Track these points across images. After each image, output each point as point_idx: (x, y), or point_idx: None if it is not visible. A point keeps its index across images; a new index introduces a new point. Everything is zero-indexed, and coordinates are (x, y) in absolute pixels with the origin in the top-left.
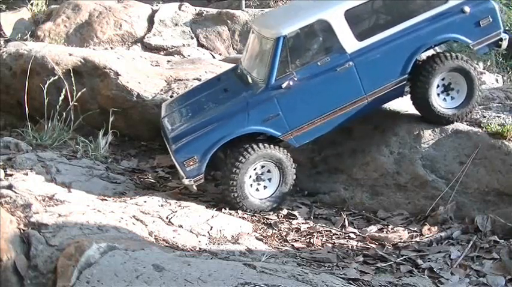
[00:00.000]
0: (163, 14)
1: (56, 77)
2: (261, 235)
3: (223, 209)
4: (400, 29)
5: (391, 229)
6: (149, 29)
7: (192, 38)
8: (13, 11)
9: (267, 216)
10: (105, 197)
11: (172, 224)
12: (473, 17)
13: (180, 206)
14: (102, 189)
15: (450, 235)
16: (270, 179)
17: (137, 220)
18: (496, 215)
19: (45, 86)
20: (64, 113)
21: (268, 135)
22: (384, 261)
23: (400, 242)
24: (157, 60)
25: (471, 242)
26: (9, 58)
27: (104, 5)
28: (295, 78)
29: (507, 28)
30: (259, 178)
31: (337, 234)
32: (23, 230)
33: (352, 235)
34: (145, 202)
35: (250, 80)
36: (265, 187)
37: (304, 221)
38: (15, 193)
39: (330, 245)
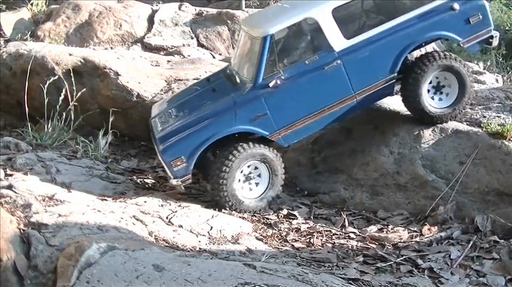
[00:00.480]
0: (163, 14)
1: (56, 77)
2: (261, 235)
3: (223, 209)
4: (389, 27)
5: (391, 229)
6: (149, 29)
7: (192, 38)
8: (13, 11)
9: (267, 216)
10: (105, 197)
11: (172, 224)
12: (463, 14)
13: (180, 206)
14: (102, 189)
15: (450, 235)
16: (259, 180)
17: (137, 220)
18: (496, 215)
19: (45, 86)
20: (64, 113)
21: (259, 136)
22: (384, 261)
23: (400, 242)
24: (157, 60)
25: (471, 242)
26: (9, 58)
27: (104, 5)
28: (283, 77)
29: (507, 28)
30: (249, 178)
31: (337, 234)
32: (23, 230)
33: (352, 235)
34: (145, 202)
35: (238, 80)
36: (256, 184)
37: (304, 221)
38: (15, 193)
39: (330, 245)
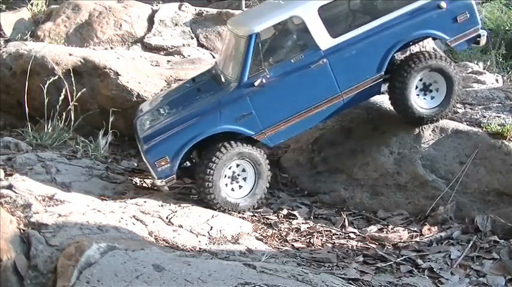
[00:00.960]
0: (163, 14)
1: (56, 77)
2: (261, 235)
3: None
4: (375, 25)
5: (391, 229)
6: (149, 29)
7: (192, 38)
8: (13, 11)
9: (267, 216)
10: (105, 197)
11: (172, 224)
12: (450, 12)
13: (180, 206)
14: (102, 189)
15: (450, 235)
16: (245, 179)
17: (137, 220)
18: (496, 215)
19: (45, 86)
20: (64, 113)
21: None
22: (384, 261)
23: (400, 242)
24: (157, 60)
25: (471, 242)
26: (9, 58)
27: (104, 5)
28: (268, 76)
29: (507, 28)
30: (235, 177)
31: (337, 234)
32: (23, 230)
33: (352, 235)
34: (145, 202)
35: (223, 79)
36: (242, 184)
37: (304, 221)
38: (15, 193)
39: (330, 245)
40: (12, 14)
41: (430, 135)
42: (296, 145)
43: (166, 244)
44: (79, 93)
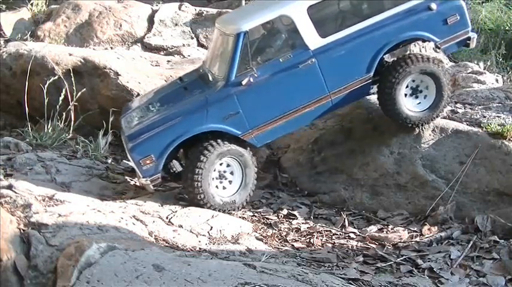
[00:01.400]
0: (163, 14)
1: (56, 77)
2: (261, 235)
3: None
4: (365, 26)
5: (391, 229)
6: (149, 29)
7: (192, 38)
8: (13, 11)
9: (267, 216)
10: (105, 197)
11: (172, 224)
12: (440, 14)
13: (180, 206)
14: (102, 189)
15: (450, 235)
16: (232, 173)
17: (137, 220)
18: (496, 215)
19: (45, 86)
20: (64, 113)
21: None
22: (384, 261)
23: (400, 242)
24: (157, 60)
25: (471, 242)
26: (9, 58)
27: (104, 5)
28: (256, 75)
29: (507, 28)
30: (222, 176)
31: (337, 234)
32: (23, 230)
33: (352, 235)
34: (145, 202)
35: (210, 78)
36: (227, 185)
37: (304, 221)
38: (15, 193)
39: (330, 245)
40: (12, 14)
41: (430, 135)
42: (296, 145)
43: (166, 244)
44: (79, 93)
